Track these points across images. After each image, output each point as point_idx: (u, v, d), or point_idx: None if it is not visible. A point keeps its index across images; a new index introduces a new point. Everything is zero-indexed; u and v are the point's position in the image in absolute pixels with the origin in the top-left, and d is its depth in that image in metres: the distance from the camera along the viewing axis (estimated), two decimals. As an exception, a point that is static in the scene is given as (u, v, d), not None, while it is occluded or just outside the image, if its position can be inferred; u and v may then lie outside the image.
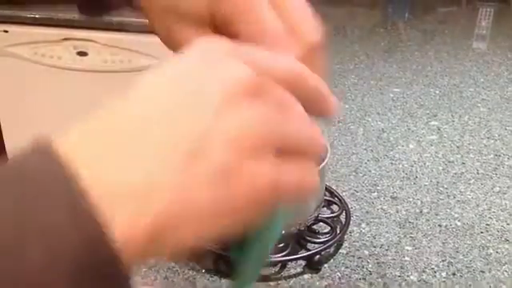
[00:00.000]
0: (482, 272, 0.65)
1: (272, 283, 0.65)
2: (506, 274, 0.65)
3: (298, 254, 0.67)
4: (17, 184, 0.22)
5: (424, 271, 0.66)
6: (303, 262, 0.68)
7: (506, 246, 0.70)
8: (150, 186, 0.23)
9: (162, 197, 0.23)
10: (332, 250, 0.69)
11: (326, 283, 0.64)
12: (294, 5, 0.33)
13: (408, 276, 0.65)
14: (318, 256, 0.67)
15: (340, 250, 0.70)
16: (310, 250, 0.68)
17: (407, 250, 0.69)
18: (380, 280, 0.64)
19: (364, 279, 0.65)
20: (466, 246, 0.70)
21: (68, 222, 0.21)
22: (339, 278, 0.65)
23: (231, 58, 0.26)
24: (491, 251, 0.69)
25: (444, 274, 0.65)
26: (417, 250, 0.69)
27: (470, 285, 0.64)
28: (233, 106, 0.25)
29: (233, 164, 0.24)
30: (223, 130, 0.24)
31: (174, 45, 0.36)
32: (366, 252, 0.69)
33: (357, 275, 0.65)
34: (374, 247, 0.70)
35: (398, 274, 0.65)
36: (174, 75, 0.26)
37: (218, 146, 0.24)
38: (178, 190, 0.23)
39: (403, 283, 0.64)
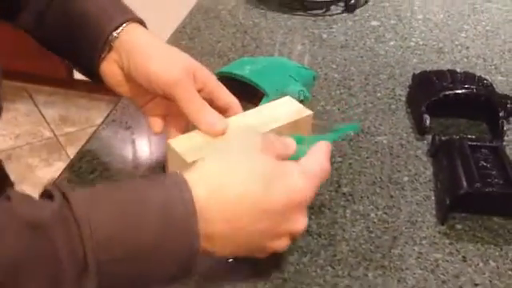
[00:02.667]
0: None
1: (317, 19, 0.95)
2: None
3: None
4: (161, 213, 0.40)
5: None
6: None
7: None
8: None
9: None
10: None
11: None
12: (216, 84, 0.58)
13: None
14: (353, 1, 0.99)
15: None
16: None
17: None
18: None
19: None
20: None
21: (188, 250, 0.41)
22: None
23: (290, 171, 0.44)
24: None
25: None
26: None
27: None
28: (290, 214, 0.44)
29: (268, 246, 0.46)
30: (279, 230, 0.45)
31: (151, 74, 0.55)
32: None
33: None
34: None
35: None
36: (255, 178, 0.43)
37: (270, 240, 0.45)
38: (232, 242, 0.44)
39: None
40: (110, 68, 0.58)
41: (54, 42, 0.62)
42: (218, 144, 0.50)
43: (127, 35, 0.57)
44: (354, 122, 0.73)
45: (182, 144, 0.55)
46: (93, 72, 0.59)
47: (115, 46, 0.57)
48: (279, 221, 0.44)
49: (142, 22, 0.59)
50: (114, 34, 0.57)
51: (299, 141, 0.51)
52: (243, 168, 0.43)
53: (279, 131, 0.60)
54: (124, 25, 0.57)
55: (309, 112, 0.63)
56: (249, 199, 0.42)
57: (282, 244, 0.46)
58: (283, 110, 0.62)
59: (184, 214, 0.40)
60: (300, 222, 0.45)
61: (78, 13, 0.59)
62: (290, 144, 0.49)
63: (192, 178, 0.42)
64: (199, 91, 0.56)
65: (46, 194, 0.40)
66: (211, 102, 0.57)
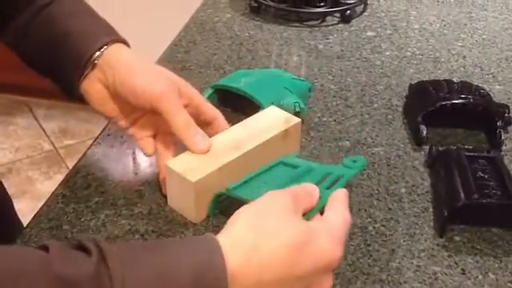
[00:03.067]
0: None
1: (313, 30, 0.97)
2: None
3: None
4: (192, 278, 0.40)
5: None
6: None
7: None
8: None
9: None
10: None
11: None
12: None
13: None
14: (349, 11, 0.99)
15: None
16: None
17: None
18: None
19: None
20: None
21: None
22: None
23: (318, 235, 0.45)
24: None
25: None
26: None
27: None
28: (317, 277, 0.45)
29: None
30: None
31: (133, 92, 0.56)
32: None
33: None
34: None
35: None
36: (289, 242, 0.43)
37: None
38: None
39: None
40: (92, 86, 0.59)
41: (36, 58, 0.62)
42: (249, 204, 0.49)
43: (112, 53, 0.58)
44: (351, 134, 0.73)
45: (180, 164, 0.56)
46: (73, 90, 0.59)
47: (99, 63, 0.57)
48: (307, 284, 0.45)
49: (126, 43, 0.60)
50: (98, 52, 0.57)
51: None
52: (276, 234, 0.43)
53: (271, 142, 0.60)
54: (108, 44, 0.58)
55: (297, 120, 0.63)
56: (280, 266, 0.43)
57: None
58: (271, 120, 0.62)
59: (215, 280, 0.41)
60: (327, 284, 0.46)
61: (61, 32, 0.59)
62: (314, 192, 0.50)
63: (224, 242, 0.43)
64: (185, 106, 0.57)
65: (82, 247, 0.41)
66: (197, 117, 0.59)
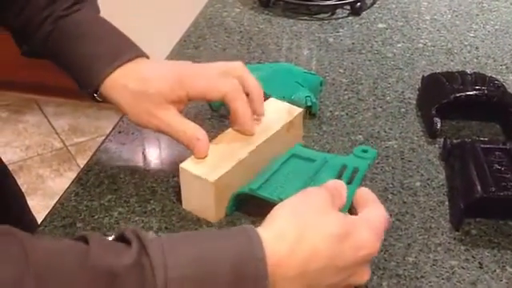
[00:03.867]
0: None
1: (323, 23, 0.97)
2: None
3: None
4: (233, 270, 0.41)
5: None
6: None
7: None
8: None
9: None
10: None
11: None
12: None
13: None
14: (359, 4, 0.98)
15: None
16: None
17: None
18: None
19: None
20: None
21: None
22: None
23: (359, 227, 0.46)
24: None
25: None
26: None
27: None
28: (358, 268, 0.46)
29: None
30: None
31: (142, 121, 0.59)
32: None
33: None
34: None
35: None
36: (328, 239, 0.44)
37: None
38: None
39: None
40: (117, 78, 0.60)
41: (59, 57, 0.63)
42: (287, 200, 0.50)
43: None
44: (363, 128, 0.72)
45: (196, 166, 0.55)
46: (93, 83, 0.60)
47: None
48: (349, 274, 0.46)
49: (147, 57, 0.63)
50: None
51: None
52: (318, 226, 0.44)
53: (277, 135, 0.60)
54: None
55: (299, 110, 0.64)
56: (324, 258, 0.44)
57: None
58: (274, 112, 0.63)
59: (255, 270, 0.41)
60: (365, 274, 0.47)
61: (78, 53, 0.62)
62: (344, 189, 0.51)
63: (268, 235, 0.43)
64: (189, 99, 0.59)
65: (122, 238, 0.42)
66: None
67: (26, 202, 0.84)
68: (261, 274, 0.41)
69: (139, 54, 0.61)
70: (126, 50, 0.61)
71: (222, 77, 0.58)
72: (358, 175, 0.56)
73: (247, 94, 0.59)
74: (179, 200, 0.60)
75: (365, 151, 0.60)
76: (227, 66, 0.60)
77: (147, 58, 0.62)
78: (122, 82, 0.59)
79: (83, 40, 0.61)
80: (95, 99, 0.62)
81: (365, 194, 0.52)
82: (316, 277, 0.44)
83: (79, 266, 0.38)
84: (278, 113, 0.63)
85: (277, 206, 0.47)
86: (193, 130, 0.58)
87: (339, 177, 0.56)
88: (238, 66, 0.61)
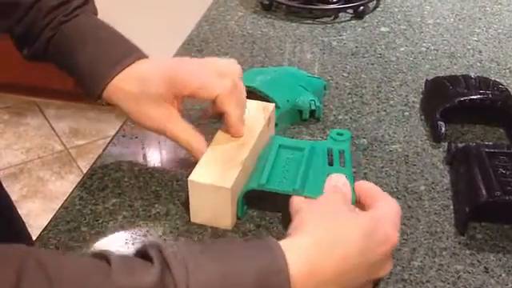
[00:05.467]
0: None
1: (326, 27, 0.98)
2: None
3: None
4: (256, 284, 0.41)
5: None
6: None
7: None
8: None
9: None
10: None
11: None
12: None
13: None
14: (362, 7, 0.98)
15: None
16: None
17: None
18: None
19: None
20: None
21: None
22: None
23: (379, 223, 0.48)
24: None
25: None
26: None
27: None
28: (383, 262, 0.48)
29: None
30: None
31: (144, 121, 0.60)
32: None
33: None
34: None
35: None
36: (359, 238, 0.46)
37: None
38: None
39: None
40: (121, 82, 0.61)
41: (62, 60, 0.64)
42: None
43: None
44: (367, 132, 0.72)
45: (205, 176, 0.55)
46: (98, 85, 0.61)
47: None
48: (377, 269, 0.48)
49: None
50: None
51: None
52: (346, 228, 0.46)
53: (262, 133, 0.61)
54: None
55: (272, 105, 0.66)
56: (358, 256, 0.45)
57: (370, 287, 0.50)
58: (252, 111, 0.64)
59: (278, 283, 0.42)
60: (389, 266, 0.49)
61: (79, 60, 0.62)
62: (346, 182, 0.54)
63: (303, 242, 0.44)
64: (182, 95, 0.60)
65: (144, 254, 0.41)
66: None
67: (15, 210, 0.82)
68: (284, 286, 0.42)
69: (140, 56, 0.62)
70: (126, 54, 0.61)
71: (216, 77, 0.58)
72: (347, 158, 0.60)
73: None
74: (183, 204, 0.60)
75: (340, 134, 0.64)
76: (225, 67, 0.60)
77: (147, 58, 0.62)
78: (122, 85, 0.60)
79: (85, 45, 0.62)
80: (99, 103, 0.62)
81: (369, 188, 0.54)
82: (351, 276, 0.45)
83: (102, 286, 0.38)
84: (256, 111, 0.64)
85: (300, 215, 0.48)
86: (197, 143, 0.60)
87: (330, 161, 0.59)
88: (235, 71, 0.61)
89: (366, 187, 0.54)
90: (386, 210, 0.50)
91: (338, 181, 0.54)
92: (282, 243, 0.44)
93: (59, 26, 0.62)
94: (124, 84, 0.60)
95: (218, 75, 0.59)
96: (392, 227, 0.48)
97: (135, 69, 0.60)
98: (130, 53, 0.61)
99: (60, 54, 0.63)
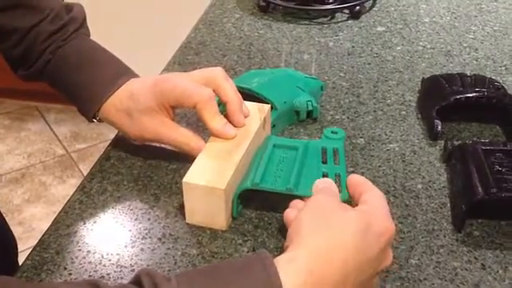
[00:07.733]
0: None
1: (323, 28, 0.98)
2: None
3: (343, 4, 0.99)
4: None
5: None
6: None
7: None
8: None
9: None
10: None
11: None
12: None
13: None
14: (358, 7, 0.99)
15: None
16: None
17: None
18: None
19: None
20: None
21: None
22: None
23: (373, 217, 0.48)
24: None
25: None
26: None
27: None
28: (383, 254, 0.48)
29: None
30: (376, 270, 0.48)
31: (140, 133, 0.64)
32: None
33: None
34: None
35: None
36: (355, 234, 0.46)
37: (369, 282, 0.48)
38: None
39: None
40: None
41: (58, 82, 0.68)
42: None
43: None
44: (364, 131, 0.72)
45: (199, 177, 0.56)
46: (94, 101, 0.65)
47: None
48: (379, 261, 0.48)
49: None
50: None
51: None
52: (342, 229, 0.46)
53: (257, 134, 0.62)
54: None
55: (268, 106, 0.67)
56: (357, 255, 0.45)
57: (375, 281, 0.50)
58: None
59: None
60: (390, 257, 0.49)
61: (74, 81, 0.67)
62: (333, 186, 0.54)
63: (302, 255, 0.44)
64: (171, 106, 0.63)
65: (138, 282, 0.42)
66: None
67: (5, 222, 0.82)
68: None
69: (131, 76, 0.66)
70: (120, 75, 0.65)
71: (196, 86, 0.61)
72: (341, 156, 0.61)
73: (225, 103, 0.62)
74: (182, 206, 0.60)
75: (334, 132, 0.65)
76: (207, 75, 0.63)
77: (138, 77, 0.66)
78: (115, 104, 0.64)
79: (80, 67, 0.66)
80: (95, 122, 0.67)
81: (355, 179, 0.54)
82: (355, 276, 0.45)
83: None
84: (251, 112, 0.65)
85: (296, 221, 0.48)
86: (195, 142, 0.62)
87: (324, 160, 0.60)
88: (217, 75, 0.63)
89: (352, 181, 0.54)
90: (374, 201, 0.50)
91: (325, 181, 0.55)
92: (281, 258, 0.44)
93: (57, 49, 0.66)
94: (117, 102, 0.64)
95: (204, 84, 0.61)
96: (384, 218, 0.48)
97: (126, 88, 0.64)
98: (122, 73, 0.66)
99: (56, 75, 0.67)
